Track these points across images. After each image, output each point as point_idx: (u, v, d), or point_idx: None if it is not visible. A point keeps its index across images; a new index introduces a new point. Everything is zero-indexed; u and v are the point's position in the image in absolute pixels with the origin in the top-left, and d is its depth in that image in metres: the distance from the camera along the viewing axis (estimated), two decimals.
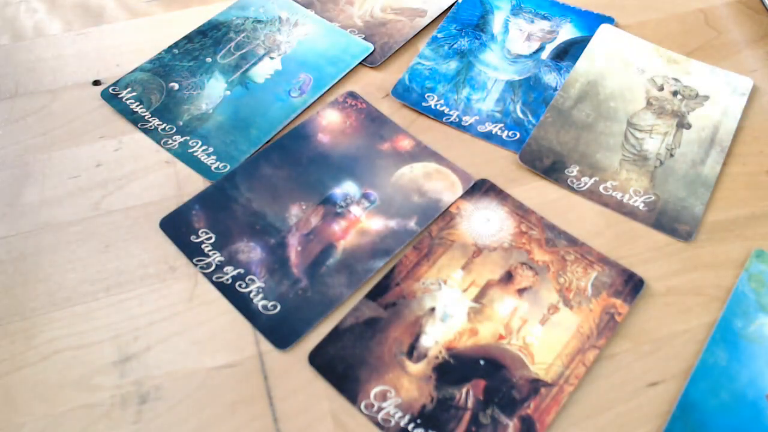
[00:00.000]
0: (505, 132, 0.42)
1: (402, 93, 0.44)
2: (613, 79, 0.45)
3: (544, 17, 0.48)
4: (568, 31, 0.47)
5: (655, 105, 0.43)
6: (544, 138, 0.42)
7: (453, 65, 0.46)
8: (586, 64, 0.45)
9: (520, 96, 0.44)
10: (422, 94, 0.44)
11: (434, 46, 0.46)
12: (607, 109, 0.43)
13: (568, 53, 0.46)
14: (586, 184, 0.40)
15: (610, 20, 0.48)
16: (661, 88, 0.44)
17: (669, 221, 0.38)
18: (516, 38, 0.47)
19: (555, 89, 0.44)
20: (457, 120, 0.43)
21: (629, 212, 0.39)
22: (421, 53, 0.46)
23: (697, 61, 0.46)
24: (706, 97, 0.43)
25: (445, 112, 0.43)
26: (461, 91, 0.44)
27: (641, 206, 0.39)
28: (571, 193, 0.40)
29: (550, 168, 0.40)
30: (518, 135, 0.42)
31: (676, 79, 0.44)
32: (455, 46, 0.47)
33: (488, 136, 0.42)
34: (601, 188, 0.40)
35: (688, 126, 0.42)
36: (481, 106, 0.43)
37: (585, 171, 0.40)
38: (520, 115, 0.43)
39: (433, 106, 0.43)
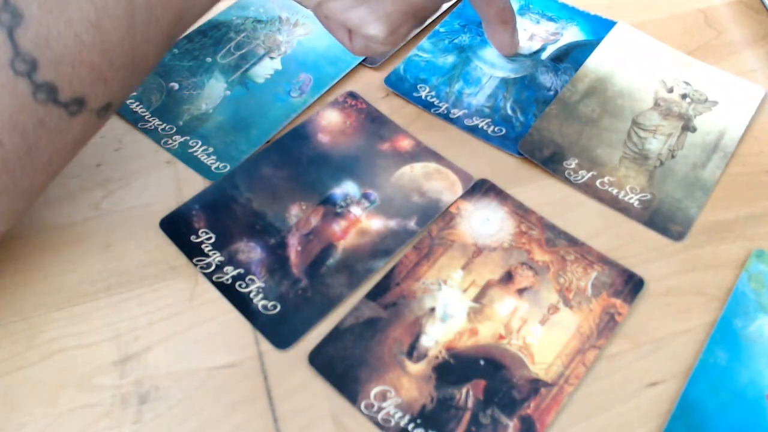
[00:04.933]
0: (492, 127, 0.42)
1: (395, 82, 0.44)
2: (623, 77, 0.45)
3: (551, 19, 0.48)
4: (572, 34, 0.47)
5: (662, 106, 0.43)
6: (546, 129, 0.42)
7: (450, 59, 0.46)
8: (597, 61, 0.45)
9: (512, 93, 0.44)
10: (415, 84, 0.44)
11: (434, 40, 0.47)
12: (613, 106, 0.43)
13: (569, 55, 0.46)
14: (583, 177, 0.40)
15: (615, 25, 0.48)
16: (671, 90, 0.44)
17: (662, 220, 0.38)
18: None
19: (549, 89, 0.44)
20: (446, 112, 0.43)
21: (623, 208, 0.39)
22: (420, 45, 0.46)
23: (713, 66, 0.45)
24: (715, 103, 0.43)
25: (435, 103, 0.43)
26: (454, 85, 0.44)
27: (636, 203, 0.39)
28: (568, 187, 0.40)
29: (549, 159, 0.40)
30: (504, 131, 0.42)
31: (686, 82, 0.44)
32: (456, 40, 0.47)
33: (474, 130, 0.42)
34: (597, 183, 0.40)
35: (694, 129, 0.42)
36: (471, 101, 0.44)
37: (584, 164, 0.40)
38: (510, 112, 0.43)
39: (423, 97, 0.44)
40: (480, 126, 0.42)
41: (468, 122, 0.42)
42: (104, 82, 0.29)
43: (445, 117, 0.43)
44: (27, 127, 0.28)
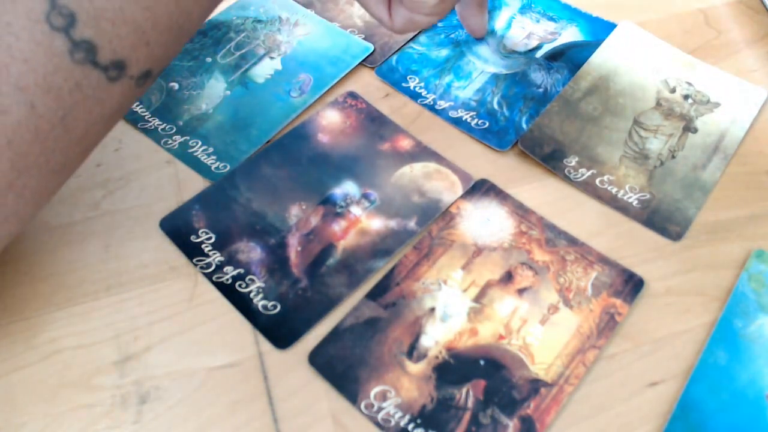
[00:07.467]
0: (475, 120, 0.42)
1: (385, 72, 0.45)
2: (625, 76, 0.45)
3: (551, 18, 0.48)
4: (571, 35, 0.47)
5: (664, 106, 0.43)
6: (547, 126, 0.42)
7: (444, 53, 0.46)
8: (600, 59, 0.45)
9: (501, 89, 0.44)
10: (405, 75, 0.45)
11: (431, 34, 0.47)
12: (615, 105, 0.43)
13: (563, 55, 0.46)
14: (583, 175, 0.40)
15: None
16: (673, 91, 0.44)
17: (660, 220, 0.38)
18: (516, 35, 0.47)
19: (539, 87, 0.44)
20: (432, 103, 0.43)
21: (622, 207, 0.39)
22: (416, 38, 0.46)
23: (715, 67, 0.45)
24: (717, 104, 0.43)
25: (423, 94, 0.44)
26: (444, 77, 0.45)
27: (635, 203, 0.39)
28: (568, 186, 0.40)
29: (549, 156, 0.40)
30: (487, 124, 0.42)
31: (689, 83, 0.44)
32: (452, 35, 0.47)
33: (457, 122, 0.42)
34: (597, 181, 0.40)
35: (695, 130, 0.42)
36: (459, 93, 0.44)
37: (584, 162, 0.40)
38: (496, 107, 0.43)
39: (412, 88, 0.44)
40: (464, 118, 0.42)
41: (452, 114, 0.43)
42: (146, 44, 0.27)
43: (431, 108, 0.43)
44: (62, 90, 0.26)
